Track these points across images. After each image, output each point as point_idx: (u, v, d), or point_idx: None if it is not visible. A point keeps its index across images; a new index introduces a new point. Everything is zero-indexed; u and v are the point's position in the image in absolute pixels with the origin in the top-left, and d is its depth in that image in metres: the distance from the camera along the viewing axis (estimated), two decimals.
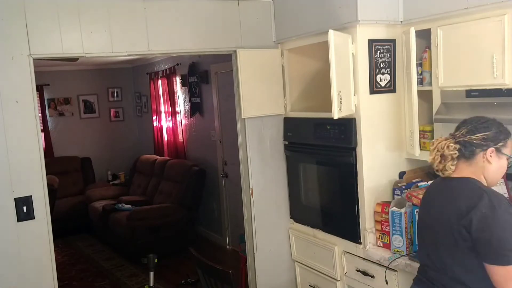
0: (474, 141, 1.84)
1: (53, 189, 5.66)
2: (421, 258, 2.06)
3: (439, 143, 1.91)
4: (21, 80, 2.56)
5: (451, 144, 1.87)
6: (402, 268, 2.53)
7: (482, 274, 1.77)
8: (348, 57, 2.66)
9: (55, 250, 2.75)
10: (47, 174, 2.68)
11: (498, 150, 1.85)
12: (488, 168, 1.86)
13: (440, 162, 1.90)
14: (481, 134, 1.85)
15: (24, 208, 2.58)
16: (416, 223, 2.31)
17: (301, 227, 3.39)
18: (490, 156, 1.85)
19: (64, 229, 6.43)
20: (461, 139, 1.87)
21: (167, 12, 2.97)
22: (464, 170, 1.88)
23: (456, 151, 1.86)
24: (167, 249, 5.37)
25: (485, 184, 1.88)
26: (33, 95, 2.60)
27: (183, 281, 4.81)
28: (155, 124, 7.37)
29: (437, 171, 1.94)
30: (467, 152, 1.86)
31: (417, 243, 2.27)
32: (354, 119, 2.75)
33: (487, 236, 1.72)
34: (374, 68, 2.72)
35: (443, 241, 1.86)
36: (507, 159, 1.88)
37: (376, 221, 2.76)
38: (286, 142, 3.43)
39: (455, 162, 1.88)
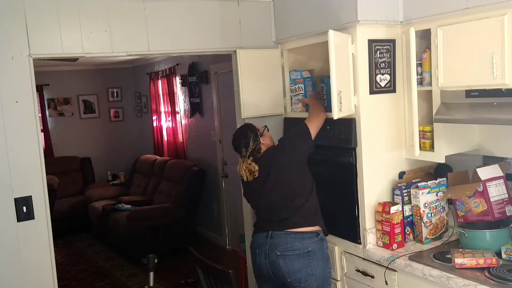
0: (256, 147, 2.72)
1: (53, 189, 5.67)
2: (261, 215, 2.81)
3: (249, 167, 2.71)
4: (21, 80, 2.56)
5: (252, 162, 2.71)
6: (401, 268, 2.53)
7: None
8: (348, 57, 2.66)
9: (55, 250, 2.75)
10: (47, 174, 2.68)
11: (263, 136, 2.79)
12: (269, 142, 2.82)
13: (249, 176, 2.73)
14: (252, 141, 2.71)
15: (24, 208, 2.58)
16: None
17: None
18: (264, 141, 2.77)
19: (64, 229, 6.44)
20: (251, 153, 2.72)
21: (167, 12, 2.97)
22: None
23: (256, 165, 2.71)
24: (167, 249, 5.38)
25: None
26: (33, 95, 2.60)
27: (183, 281, 4.83)
28: (155, 124, 7.38)
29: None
30: (258, 153, 2.74)
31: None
32: (354, 119, 2.75)
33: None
34: (374, 68, 2.72)
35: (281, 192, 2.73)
36: (268, 131, 2.86)
37: (376, 221, 2.76)
38: None
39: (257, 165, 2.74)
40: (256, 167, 2.70)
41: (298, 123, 3.25)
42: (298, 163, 2.73)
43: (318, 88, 3.18)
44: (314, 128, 2.78)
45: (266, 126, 2.87)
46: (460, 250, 2.42)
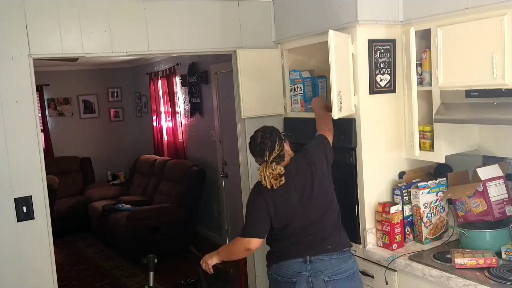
0: (280, 152, 2.43)
1: (53, 189, 5.67)
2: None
3: (273, 172, 2.39)
4: (21, 80, 2.56)
5: (278, 166, 2.40)
6: (401, 268, 2.53)
7: None
8: (348, 57, 2.66)
9: (55, 250, 2.75)
10: (47, 174, 2.68)
11: (285, 140, 2.52)
12: (290, 150, 2.54)
13: (275, 182, 2.41)
14: (277, 145, 2.42)
15: (24, 208, 2.58)
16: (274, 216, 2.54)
17: None
18: (286, 148, 2.50)
19: (64, 229, 6.44)
20: (274, 159, 2.41)
21: (167, 12, 2.97)
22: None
23: (282, 168, 2.40)
24: (167, 249, 5.38)
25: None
26: (33, 95, 2.60)
27: (183, 281, 4.82)
28: (155, 124, 7.38)
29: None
30: (281, 160, 2.44)
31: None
32: (354, 119, 2.75)
33: None
34: (374, 68, 2.72)
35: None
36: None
37: (376, 221, 2.76)
38: None
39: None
40: (283, 169, 2.40)
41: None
42: (329, 175, 2.54)
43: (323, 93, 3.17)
44: (331, 139, 2.66)
45: (285, 133, 2.63)
46: (460, 250, 2.42)
